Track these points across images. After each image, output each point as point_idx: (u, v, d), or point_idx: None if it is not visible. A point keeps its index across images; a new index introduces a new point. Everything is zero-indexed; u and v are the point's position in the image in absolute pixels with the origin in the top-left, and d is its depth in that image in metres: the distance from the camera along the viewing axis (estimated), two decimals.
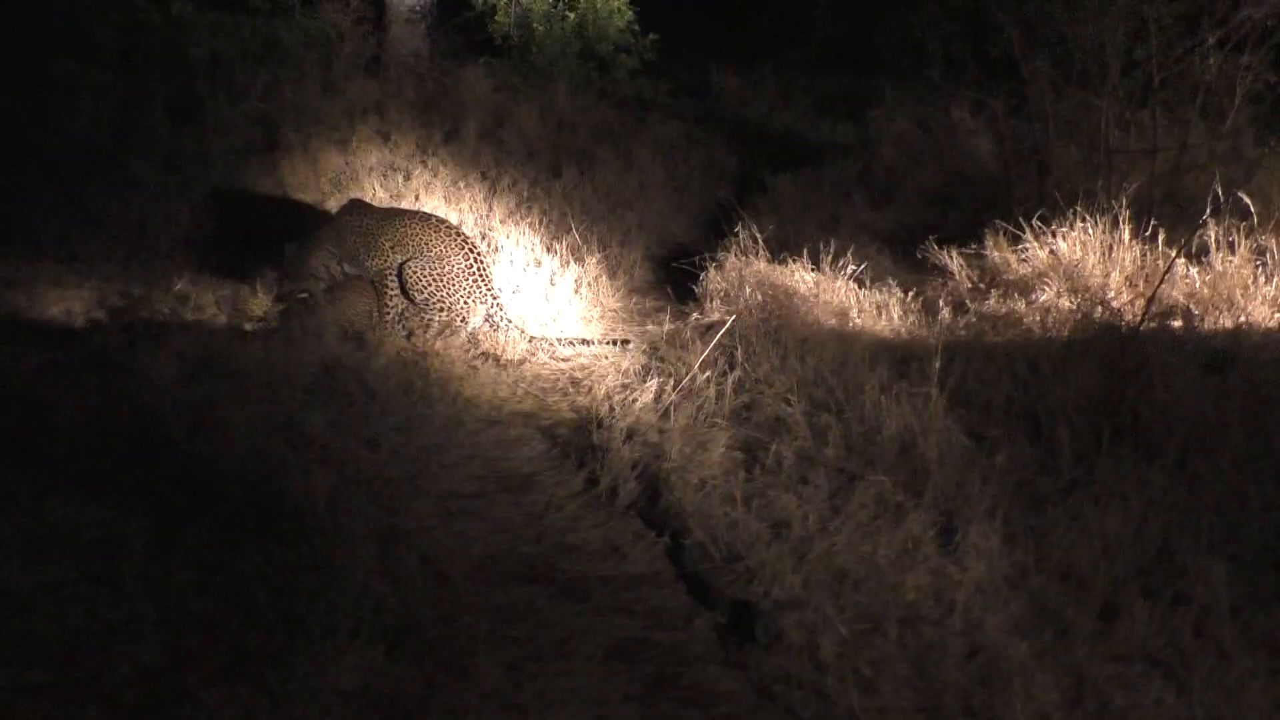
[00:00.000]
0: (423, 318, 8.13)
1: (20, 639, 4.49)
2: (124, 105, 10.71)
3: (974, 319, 8.00)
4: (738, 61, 14.86)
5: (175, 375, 7.05)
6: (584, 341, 8.27)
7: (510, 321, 8.21)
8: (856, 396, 6.52)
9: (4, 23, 10.46)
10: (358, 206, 8.54)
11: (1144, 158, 9.35)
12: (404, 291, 8.19)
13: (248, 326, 8.13)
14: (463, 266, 8.13)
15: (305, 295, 8.11)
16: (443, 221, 8.38)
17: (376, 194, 10.09)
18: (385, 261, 8.16)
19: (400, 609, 4.74)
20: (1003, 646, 4.52)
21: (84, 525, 5.32)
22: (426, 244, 8.15)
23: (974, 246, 8.97)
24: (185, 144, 10.55)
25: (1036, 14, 9.61)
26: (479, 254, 8.26)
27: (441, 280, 8.11)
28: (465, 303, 8.13)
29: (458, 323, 8.10)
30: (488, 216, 9.88)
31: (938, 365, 6.30)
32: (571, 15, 12.96)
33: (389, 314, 8.18)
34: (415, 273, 8.11)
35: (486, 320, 8.18)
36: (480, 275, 8.17)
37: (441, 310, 8.12)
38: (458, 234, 8.31)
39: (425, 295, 8.12)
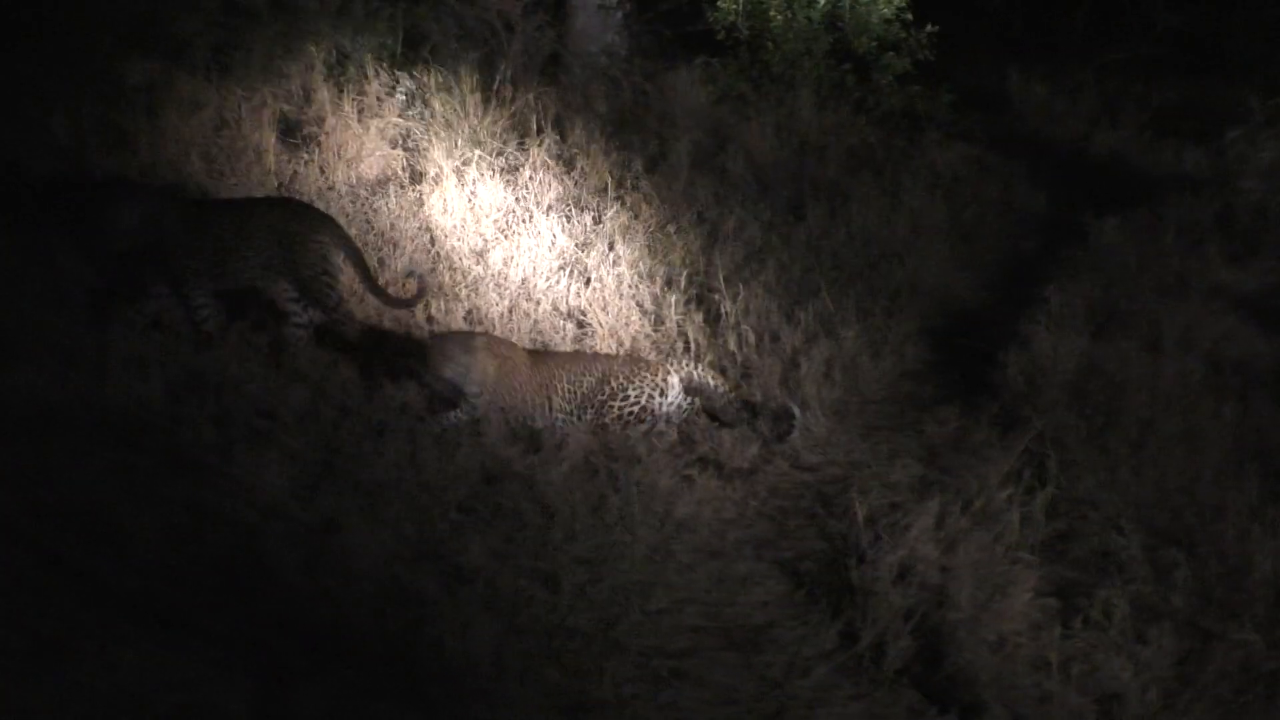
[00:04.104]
0: (612, 406, 8.36)
1: None
2: (216, 124, 11.09)
3: None
4: (1046, 62, 14.78)
5: (287, 486, 7.23)
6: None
7: (737, 409, 8.45)
8: (1214, 524, 6.49)
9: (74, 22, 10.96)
10: None
11: None
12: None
13: (385, 419, 8.28)
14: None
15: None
16: None
17: (557, 240, 10.29)
18: None
19: None
20: None
21: (165, 685, 5.26)
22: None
23: None
24: (300, 170, 10.84)
25: None
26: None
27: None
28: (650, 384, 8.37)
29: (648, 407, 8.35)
30: (706, 271, 10.00)
31: None
32: (822, 2, 13.03)
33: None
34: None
35: (689, 400, 8.46)
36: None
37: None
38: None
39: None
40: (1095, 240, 11.00)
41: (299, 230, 8.78)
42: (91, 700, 5.12)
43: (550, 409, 8.36)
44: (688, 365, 8.58)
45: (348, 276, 9.00)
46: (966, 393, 8.78)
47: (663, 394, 8.35)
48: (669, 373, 8.43)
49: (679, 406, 8.43)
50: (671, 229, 10.50)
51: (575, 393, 8.35)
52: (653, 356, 8.88)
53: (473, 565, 6.58)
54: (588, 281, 9.87)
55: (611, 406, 8.26)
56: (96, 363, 8.06)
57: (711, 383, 8.54)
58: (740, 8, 13.16)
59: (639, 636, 6.29)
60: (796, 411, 8.29)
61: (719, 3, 13.18)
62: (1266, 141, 12.51)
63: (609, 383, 8.29)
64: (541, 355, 8.54)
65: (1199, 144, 13.03)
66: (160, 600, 5.87)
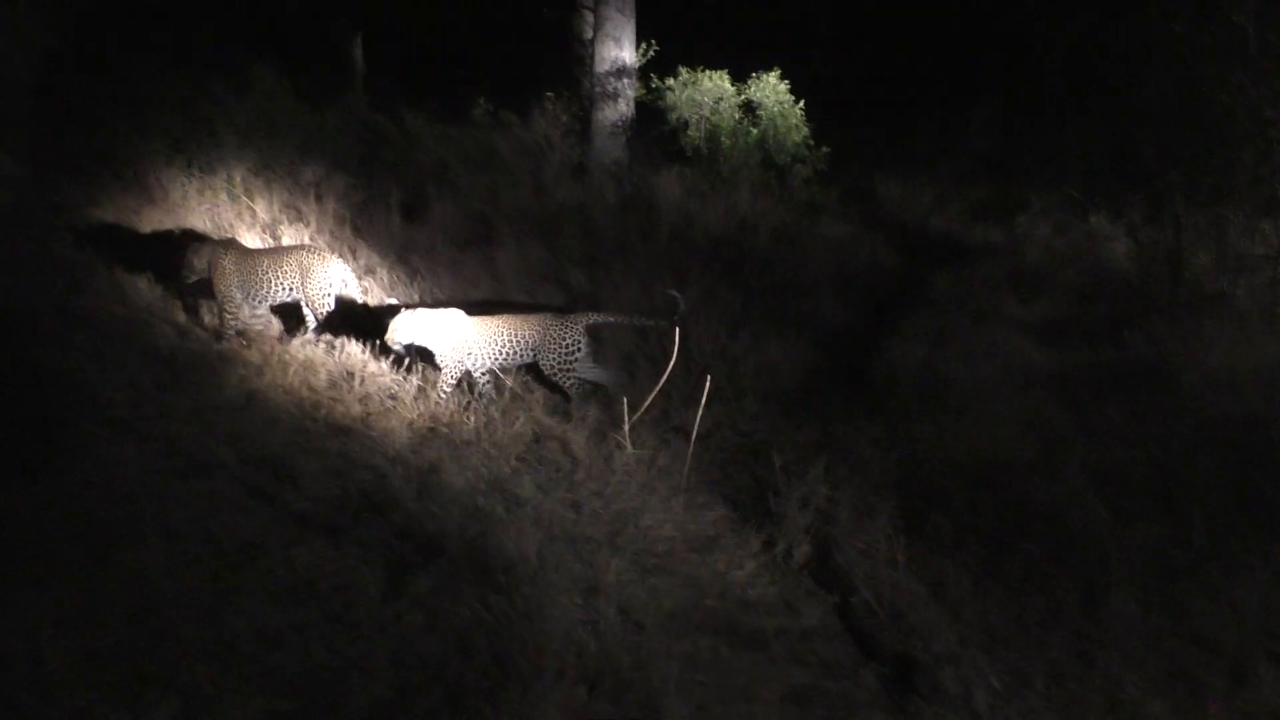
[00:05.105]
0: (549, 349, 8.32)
1: (270, 672, 4.70)
2: (364, 205, 11.19)
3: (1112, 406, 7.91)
4: (900, 170, 14.71)
5: (406, 442, 7.37)
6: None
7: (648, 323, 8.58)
8: (1005, 472, 6.52)
9: (264, 137, 11.10)
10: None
11: (1267, 262, 9.13)
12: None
13: (467, 400, 8.32)
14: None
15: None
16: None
17: (581, 284, 10.33)
18: None
19: (600, 654, 4.87)
20: (1141, 702, 4.55)
21: (326, 572, 5.51)
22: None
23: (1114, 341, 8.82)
24: (414, 237, 10.90)
25: (1173, 139, 9.50)
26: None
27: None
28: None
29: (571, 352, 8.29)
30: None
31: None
32: (755, 131, 13.07)
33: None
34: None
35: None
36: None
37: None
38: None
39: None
40: (931, 287, 10.98)
41: (312, 265, 8.85)
42: (278, 582, 5.34)
43: (501, 355, 8.29)
44: (592, 314, 8.45)
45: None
46: (848, 385, 8.78)
47: (576, 344, 8.25)
48: (579, 326, 8.28)
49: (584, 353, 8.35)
50: (654, 277, 10.43)
51: (522, 341, 8.26)
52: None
53: (525, 496, 6.67)
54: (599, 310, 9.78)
55: (548, 350, 8.24)
56: (281, 364, 8.12)
57: (614, 319, 8.51)
58: (702, 134, 13.18)
59: (633, 543, 6.37)
60: (679, 298, 8.27)
61: (689, 131, 13.19)
62: (1042, 224, 12.54)
63: (547, 333, 8.24)
64: (485, 317, 8.39)
65: (999, 225, 12.99)
66: (324, 516, 6.06)
